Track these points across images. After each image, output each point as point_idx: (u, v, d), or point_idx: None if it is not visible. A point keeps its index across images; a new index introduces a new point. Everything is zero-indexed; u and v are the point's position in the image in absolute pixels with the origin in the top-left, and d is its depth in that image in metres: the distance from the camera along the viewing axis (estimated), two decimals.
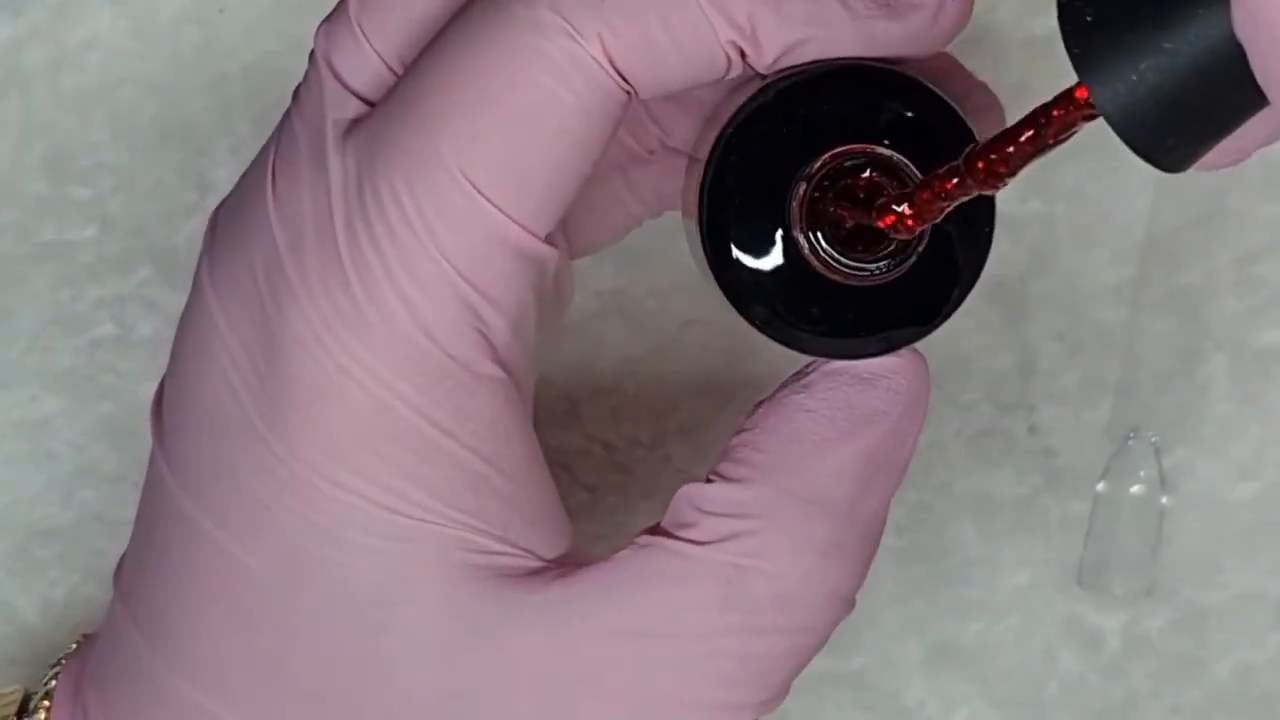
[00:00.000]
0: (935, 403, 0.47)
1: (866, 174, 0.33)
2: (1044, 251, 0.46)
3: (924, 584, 0.47)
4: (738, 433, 0.34)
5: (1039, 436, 0.46)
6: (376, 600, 0.32)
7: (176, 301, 0.47)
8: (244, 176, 0.35)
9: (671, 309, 0.47)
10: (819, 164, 0.32)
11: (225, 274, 0.34)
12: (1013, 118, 0.32)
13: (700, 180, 0.33)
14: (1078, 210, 0.46)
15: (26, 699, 0.38)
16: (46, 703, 0.37)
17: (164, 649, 0.34)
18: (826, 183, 0.32)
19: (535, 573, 0.33)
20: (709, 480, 0.33)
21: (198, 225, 0.47)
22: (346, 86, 0.33)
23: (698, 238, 0.33)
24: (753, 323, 0.33)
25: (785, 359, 0.37)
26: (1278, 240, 0.46)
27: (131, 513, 0.37)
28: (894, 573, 0.48)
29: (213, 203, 0.47)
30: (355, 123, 0.33)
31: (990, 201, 0.33)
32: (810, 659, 0.33)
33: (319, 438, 0.32)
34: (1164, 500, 0.45)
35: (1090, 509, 0.45)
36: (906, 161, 0.33)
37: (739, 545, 0.32)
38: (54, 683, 0.37)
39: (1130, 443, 0.44)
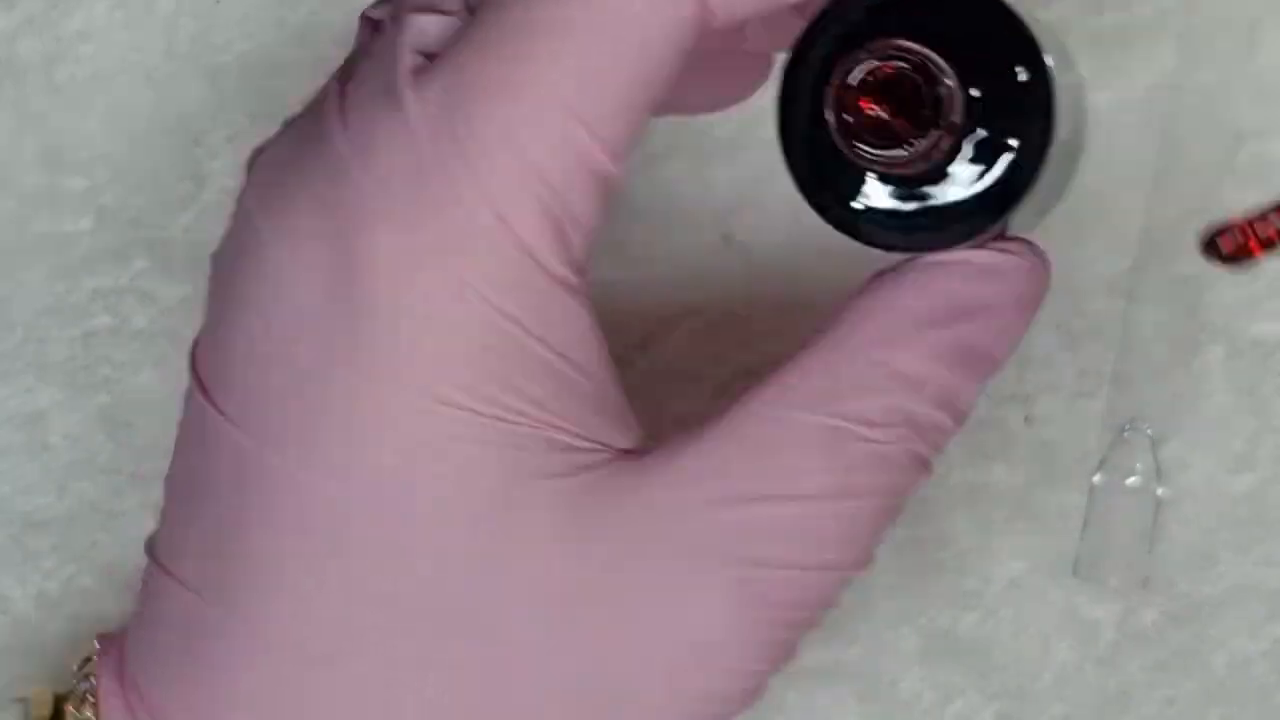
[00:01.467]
0: None
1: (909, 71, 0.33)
2: (1040, 243, 0.46)
3: (920, 574, 0.47)
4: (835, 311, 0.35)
5: (1035, 428, 0.46)
6: (490, 507, 0.33)
7: (172, 293, 0.47)
8: (296, 120, 0.35)
9: (667, 300, 0.47)
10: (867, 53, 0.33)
11: (287, 210, 0.33)
12: None
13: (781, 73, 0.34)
14: (1073, 202, 0.46)
15: (59, 702, 0.37)
16: (91, 699, 0.36)
17: (234, 602, 0.34)
18: (871, 78, 0.33)
19: (628, 460, 0.34)
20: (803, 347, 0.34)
21: (193, 217, 0.47)
22: (419, 27, 0.34)
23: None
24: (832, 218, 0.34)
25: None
26: None
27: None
28: (890, 563, 0.48)
29: (209, 194, 0.47)
30: (431, 58, 0.33)
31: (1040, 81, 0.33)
32: (891, 523, 0.34)
33: (420, 358, 0.32)
34: (1160, 492, 0.45)
35: (1086, 501, 0.45)
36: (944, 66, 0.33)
37: (836, 408, 0.33)
38: (88, 683, 0.36)
39: (1126, 434, 0.44)
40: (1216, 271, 0.46)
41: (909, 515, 0.48)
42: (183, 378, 0.36)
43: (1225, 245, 0.35)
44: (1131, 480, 0.44)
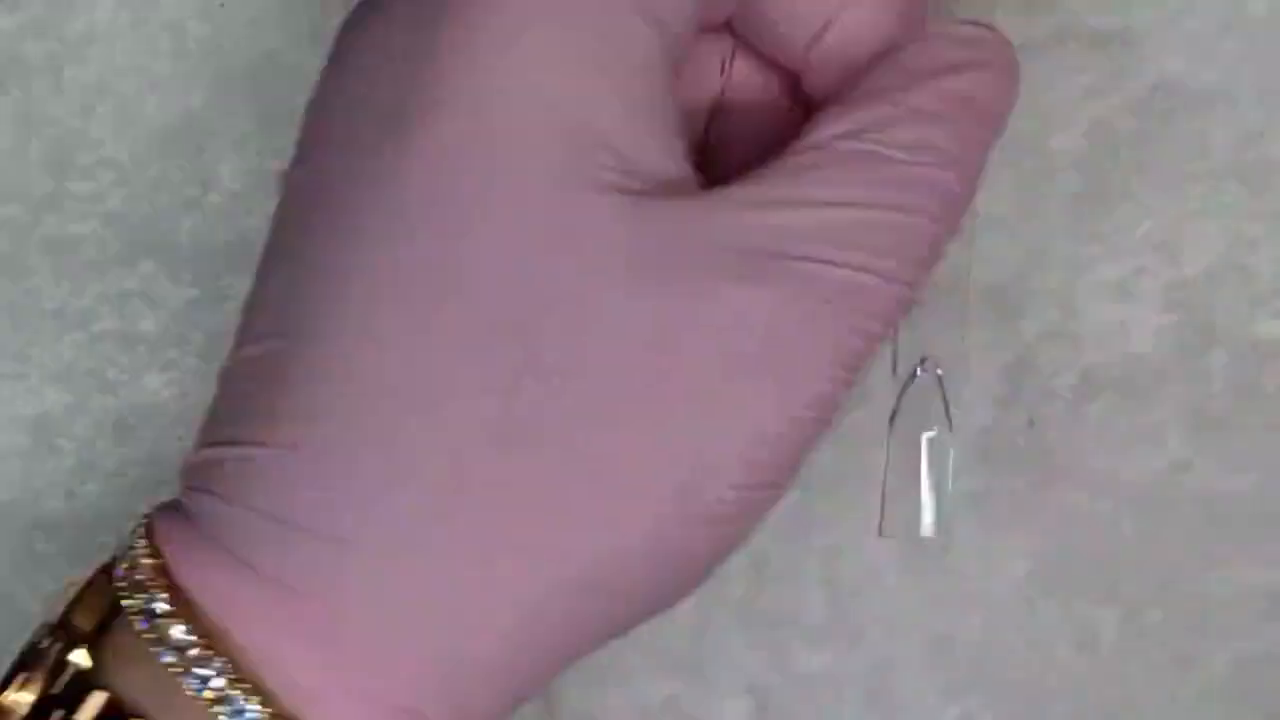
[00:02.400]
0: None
1: None
2: (1040, 249, 0.46)
3: (923, 577, 0.47)
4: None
5: (1037, 432, 0.46)
6: (561, 177, 0.33)
7: (179, 296, 0.47)
8: None
9: None
10: None
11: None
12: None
13: None
14: (1073, 208, 0.46)
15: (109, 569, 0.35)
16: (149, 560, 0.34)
17: (325, 342, 0.33)
18: None
19: (684, 187, 0.35)
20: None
21: (200, 220, 0.47)
22: None
23: None
24: None
25: None
26: (1274, 232, 0.46)
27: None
28: (893, 566, 0.48)
29: (216, 198, 0.47)
30: None
31: None
32: (939, 249, 0.36)
33: (483, 41, 0.33)
34: (951, 432, 0.43)
35: (884, 458, 0.44)
36: None
37: (870, 136, 0.35)
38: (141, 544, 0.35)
39: (918, 376, 0.42)
40: (1218, 274, 0.46)
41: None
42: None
43: None
44: (926, 429, 0.43)
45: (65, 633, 0.34)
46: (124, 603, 0.33)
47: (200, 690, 0.32)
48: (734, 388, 0.34)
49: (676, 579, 0.36)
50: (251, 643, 0.32)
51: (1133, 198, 0.46)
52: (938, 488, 0.41)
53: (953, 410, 0.47)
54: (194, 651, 0.32)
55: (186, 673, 0.32)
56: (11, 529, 0.47)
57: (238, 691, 0.32)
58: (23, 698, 0.34)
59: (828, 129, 0.35)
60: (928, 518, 0.41)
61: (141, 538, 0.35)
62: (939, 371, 0.40)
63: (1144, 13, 0.44)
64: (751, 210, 0.34)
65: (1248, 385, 0.46)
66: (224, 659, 0.32)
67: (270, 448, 0.32)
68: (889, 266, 0.35)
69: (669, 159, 0.35)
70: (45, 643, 0.34)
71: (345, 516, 0.32)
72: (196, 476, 0.34)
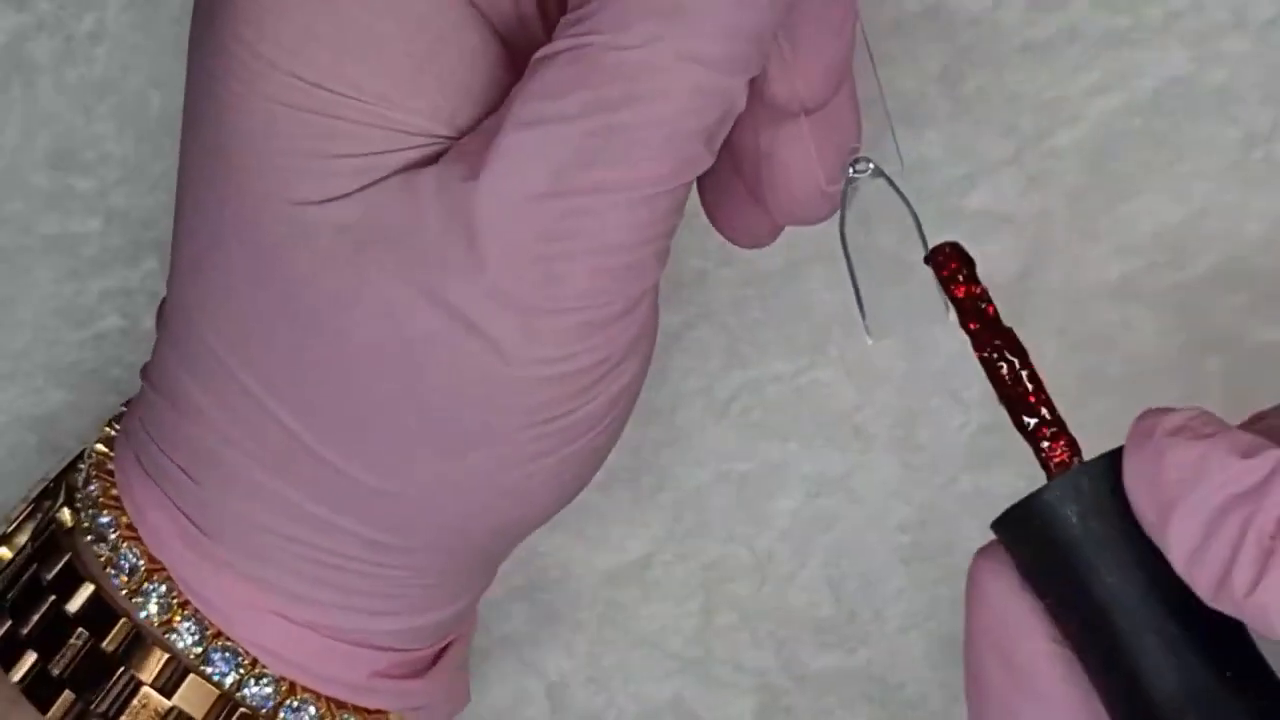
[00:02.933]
0: (938, 400, 0.47)
1: None
2: (1043, 248, 0.46)
3: (928, 579, 0.48)
4: None
5: None
6: (295, 169, 0.33)
7: None
8: None
9: (669, 311, 0.47)
10: None
11: None
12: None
13: None
14: (1076, 207, 0.46)
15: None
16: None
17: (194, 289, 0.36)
18: None
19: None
20: None
21: None
22: None
23: None
24: None
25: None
26: (1274, 235, 0.46)
27: None
28: (899, 568, 0.48)
29: None
30: None
31: None
32: (685, 131, 0.33)
33: (243, 6, 0.33)
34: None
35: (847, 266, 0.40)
36: None
37: (582, 26, 0.33)
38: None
39: (854, 173, 0.38)
40: (1217, 278, 0.46)
41: (916, 521, 0.49)
42: None
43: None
44: (881, 227, 0.40)
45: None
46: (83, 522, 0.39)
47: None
48: (467, 341, 0.34)
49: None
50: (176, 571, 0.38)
51: (1136, 197, 0.46)
52: (908, 279, 0.38)
53: (955, 409, 0.47)
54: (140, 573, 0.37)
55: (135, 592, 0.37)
56: None
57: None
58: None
59: (561, 25, 0.33)
60: (910, 308, 0.39)
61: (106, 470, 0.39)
62: (871, 164, 0.37)
63: (1151, 12, 0.44)
64: (470, 149, 0.33)
65: (1247, 388, 0.46)
66: (164, 583, 0.37)
67: (178, 413, 0.37)
68: (619, 177, 0.33)
69: (433, 122, 0.34)
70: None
71: (212, 474, 0.36)
72: (144, 408, 0.38)
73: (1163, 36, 0.44)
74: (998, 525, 0.34)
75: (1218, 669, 0.32)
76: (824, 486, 0.48)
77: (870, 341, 0.36)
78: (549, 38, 0.34)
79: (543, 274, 0.33)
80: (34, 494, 0.40)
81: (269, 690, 0.37)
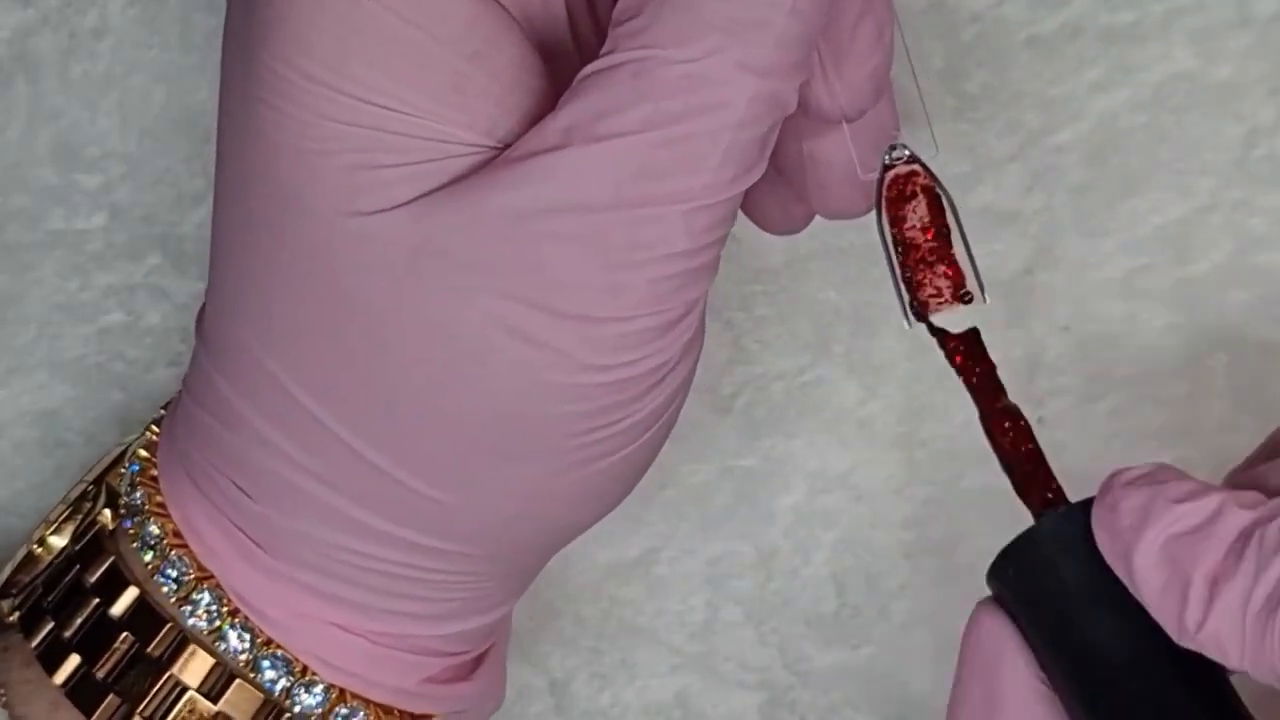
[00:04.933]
0: (942, 396, 0.47)
1: None
2: (1048, 244, 0.46)
3: (933, 576, 0.48)
4: None
5: (1046, 429, 0.46)
6: (345, 186, 0.34)
7: (185, 289, 0.47)
8: None
9: None
10: None
11: None
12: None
13: None
14: (1080, 203, 0.46)
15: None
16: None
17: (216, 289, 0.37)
18: None
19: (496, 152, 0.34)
20: None
21: (206, 213, 0.47)
22: None
23: None
24: None
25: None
26: (1278, 231, 0.46)
27: None
28: (903, 565, 0.48)
29: None
30: None
31: None
32: (744, 140, 0.33)
33: (284, 27, 0.34)
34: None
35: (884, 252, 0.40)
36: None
37: (641, 39, 0.33)
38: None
39: (888, 159, 0.38)
40: (1223, 275, 0.46)
41: (920, 518, 0.49)
42: None
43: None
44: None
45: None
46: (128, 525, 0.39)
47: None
48: (515, 342, 0.34)
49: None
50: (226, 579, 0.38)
51: (1141, 194, 0.46)
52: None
53: (959, 405, 0.47)
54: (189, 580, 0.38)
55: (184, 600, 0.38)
56: (19, 521, 0.47)
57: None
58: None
59: (613, 35, 0.34)
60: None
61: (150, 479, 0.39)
62: (907, 150, 0.37)
63: (1154, 8, 0.44)
64: (525, 163, 0.33)
65: (1251, 385, 0.46)
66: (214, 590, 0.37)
67: (227, 427, 0.37)
68: (678, 185, 0.33)
69: (473, 133, 0.34)
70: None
71: (264, 488, 0.37)
72: (188, 420, 0.38)
73: (1166, 32, 0.44)
74: (991, 571, 0.35)
75: (1195, 709, 0.33)
76: (828, 483, 0.48)
77: (909, 327, 0.37)
78: (580, 44, 0.35)
79: (605, 284, 0.33)
80: (73, 495, 0.41)
81: (319, 698, 0.37)
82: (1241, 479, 0.35)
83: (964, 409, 0.47)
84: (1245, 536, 0.32)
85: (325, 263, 0.34)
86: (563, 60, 0.37)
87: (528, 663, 0.49)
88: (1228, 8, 0.44)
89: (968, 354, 0.37)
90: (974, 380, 0.37)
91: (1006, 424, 0.36)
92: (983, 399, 0.36)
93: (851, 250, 0.46)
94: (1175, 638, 0.32)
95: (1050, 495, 0.36)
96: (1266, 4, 0.44)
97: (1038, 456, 0.36)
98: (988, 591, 0.47)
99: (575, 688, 0.50)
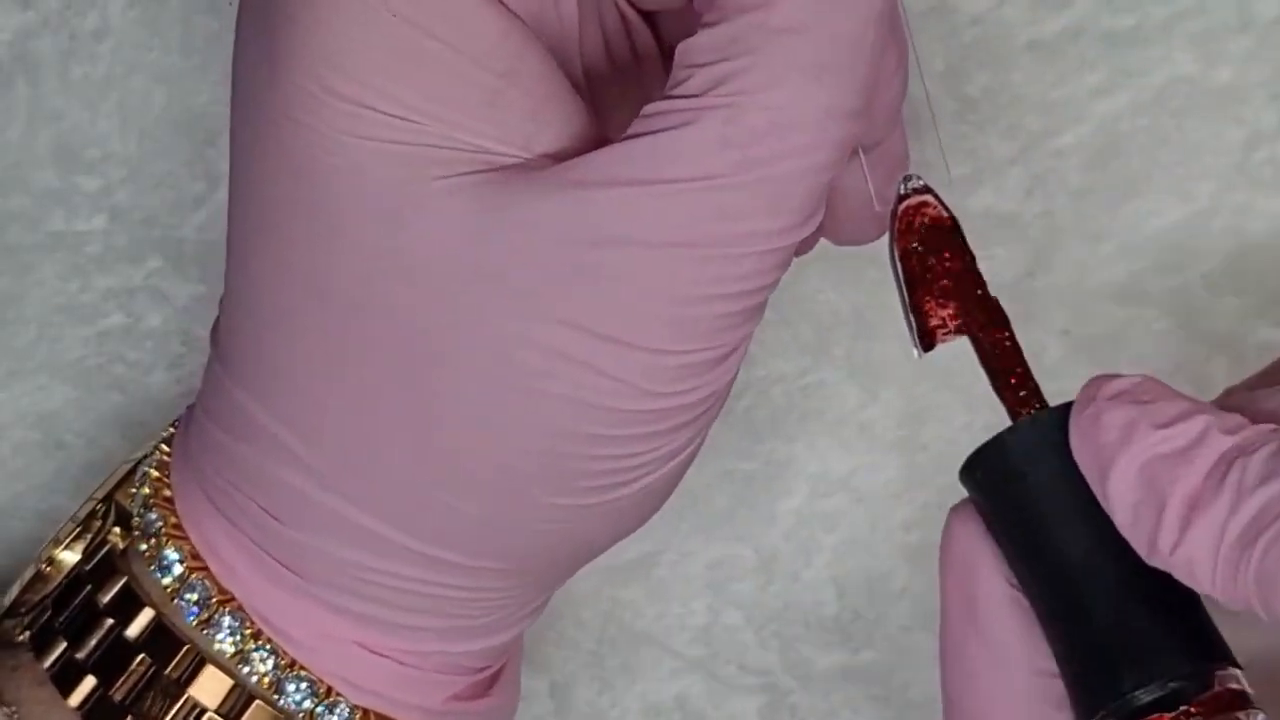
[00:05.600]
0: (943, 399, 0.47)
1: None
2: (1048, 248, 0.46)
3: (933, 580, 0.47)
4: None
5: None
6: (391, 203, 0.34)
7: (185, 292, 0.47)
8: None
9: None
10: None
11: None
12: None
13: None
14: (1081, 207, 0.46)
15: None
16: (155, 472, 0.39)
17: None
18: None
19: (546, 161, 0.35)
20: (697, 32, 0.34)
21: (207, 216, 0.47)
22: None
23: None
24: None
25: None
26: (1279, 235, 0.46)
27: None
28: (903, 567, 0.48)
29: (222, 194, 0.47)
30: None
31: None
32: (822, 179, 0.34)
33: (313, 46, 0.33)
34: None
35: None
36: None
37: (730, 85, 0.33)
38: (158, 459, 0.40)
39: (902, 189, 0.38)
40: (1220, 279, 0.46)
41: (921, 520, 0.49)
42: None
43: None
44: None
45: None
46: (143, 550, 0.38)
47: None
48: (571, 368, 0.34)
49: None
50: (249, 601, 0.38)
51: (1141, 197, 0.46)
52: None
53: (960, 407, 0.47)
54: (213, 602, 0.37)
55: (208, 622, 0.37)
56: (19, 523, 0.47)
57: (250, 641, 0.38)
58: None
59: (697, 76, 0.33)
60: None
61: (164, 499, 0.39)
62: (921, 180, 0.37)
63: (1156, 11, 0.44)
64: (602, 190, 0.33)
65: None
66: (236, 613, 0.37)
67: (251, 446, 0.37)
68: (757, 226, 0.33)
69: (510, 146, 0.34)
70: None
71: (291, 509, 0.36)
72: (204, 438, 0.38)
73: (1167, 36, 0.44)
74: (963, 470, 0.35)
75: (1157, 617, 0.33)
76: (829, 486, 0.48)
77: (917, 356, 0.37)
78: (615, 64, 0.36)
79: (670, 317, 0.33)
80: (81, 514, 0.40)
81: (342, 718, 0.37)
82: (1230, 402, 0.35)
83: (965, 412, 0.47)
84: (1226, 462, 0.32)
85: (372, 284, 0.34)
86: (597, 80, 0.38)
87: (529, 666, 0.49)
88: (1229, 11, 0.44)
89: (944, 245, 0.37)
90: (948, 267, 0.36)
91: (984, 316, 0.36)
92: (960, 291, 0.36)
93: (852, 253, 0.46)
94: (1145, 556, 0.32)
95: (1024, 395, 0.36)
96: (1268, 7, 0.44)
97: (1015, 351, 0.36)
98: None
99: (576, 691, 0.50)
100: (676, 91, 0.34)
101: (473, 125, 0.34)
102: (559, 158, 0.34)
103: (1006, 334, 0.36)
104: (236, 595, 0.37)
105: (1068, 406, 0.34)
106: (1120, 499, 0.32)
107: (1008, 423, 0.35)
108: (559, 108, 0.35)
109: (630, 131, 0.34)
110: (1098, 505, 0.33)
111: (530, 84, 0.34)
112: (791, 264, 0.36)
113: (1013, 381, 0.36)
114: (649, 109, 0.34)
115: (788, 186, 0.33)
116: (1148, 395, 0.33)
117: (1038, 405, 0.36)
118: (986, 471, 0.35)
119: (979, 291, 0.36)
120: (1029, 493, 0.34)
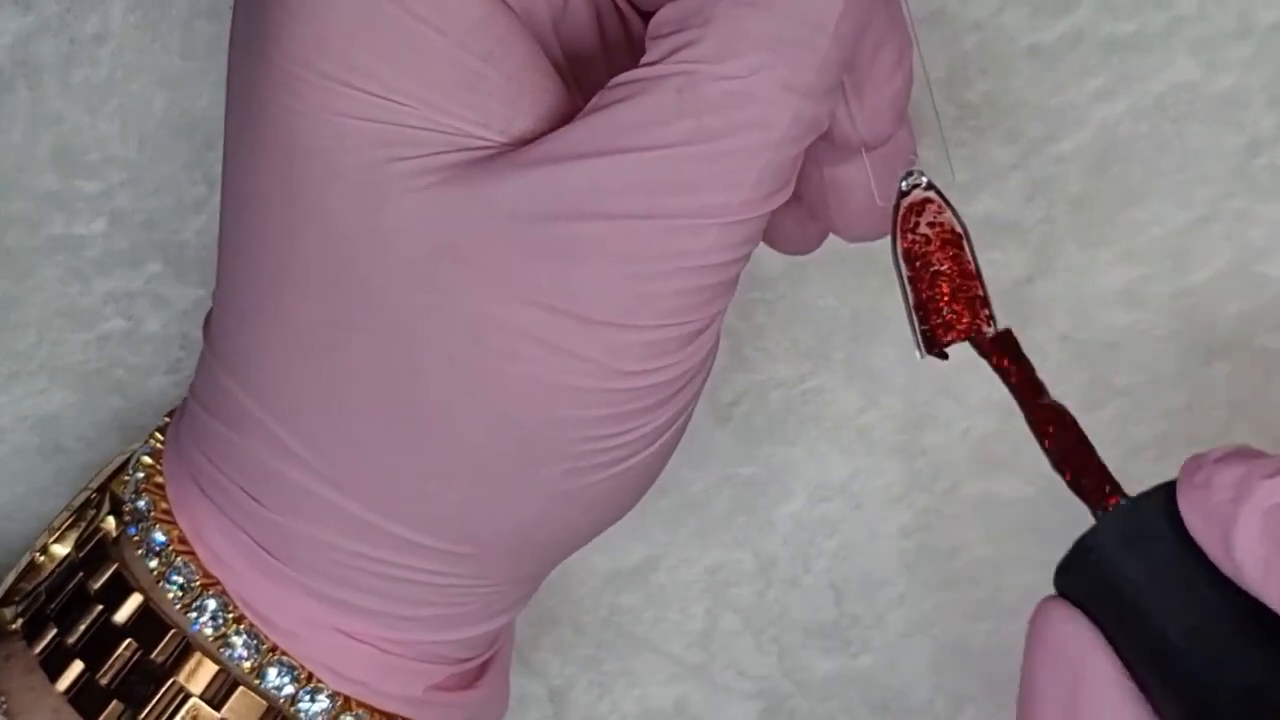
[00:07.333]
0: (942, 405, 0.47)
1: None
2: (1048, 254, 0.46)
3: (932, 585, 0.47)
4: None
5: None
6: (365, 182, 0.34)
7: (185, 296, 0.47)
8: None
9: None
10: None
11: None
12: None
13: None
14: (1081, 213, 0.46)
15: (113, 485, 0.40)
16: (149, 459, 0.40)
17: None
18: None
19: (515, 143, 0.35)
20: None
21: (207, 220, 0.47)
22: None
23: None
24: None
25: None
26: (1278, 241, 0.46)
27: None
28: (902, 573, 0.48)
29: None
30: None
31: None
32: (781, 159, 0.34)
33: (298, 23, 0.34)
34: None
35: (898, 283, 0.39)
36: None
37: (685, 54, 0.33)
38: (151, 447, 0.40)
39: (905, 184, 0.38)
40: (1223, 283, 0.46)
41: (919, 526, 0.49)
42: None
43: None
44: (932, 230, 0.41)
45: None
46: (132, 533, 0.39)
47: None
48: (540, 349, 0.34)
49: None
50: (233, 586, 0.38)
51: (1141, 203, 0.46)
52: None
53: (959, 414, 0.47)
54: (195, 586, 0.38)
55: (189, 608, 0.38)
56: (18, 526, 0.47)
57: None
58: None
59: (657, 45, 0.34)
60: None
61: (155, 487, 0.39)
62: (924, 177, 0.37)
63: (1156, 17, 0.44)
64: (557, 167, 0.33)
65: (1251, 394, 0.46)
66: (220, 597, 0.37)
67: (238, 433, 0.37)
68: (712, 200, 0.33)
69: (489, 130, 0.34)
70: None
71: (276, 494, 0.37)
72: (194, 426, 0.38)
73: (1167, 42, 0.44)
74: (1059, 569, 0.34)
75: None
76: (827, 491, 0.48)
77: (920, 358, 0.37)
78: (609, 51, 0.36)
79: (633, 293, 0.33)
80: (76, 503, 0.41)
81: (324, 705, 0.37)
82: None
83: (963, 418, 0.47)
84: None
85: (346, 265, 0.34)
86: (589, 66, 0.38)
87: (527, 670, 0.49)
88: (1229, 18, 0.44)
89: (1004, 356, 0.37)
90: (1013, 381, 0.36)
91: (1050, 424, 0.36)
92: (1024, 399, 0.36)
93: (851, 257, 0.46)
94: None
95: (1108, 489, 0.35)
96: (1267, 14, 0.44)
97: (1088, 450, 0.36)
98: (985, 601, 0.48)
99: (574, 695, 0.50)
100: (640, 63, 0.34)
101: (452, 108, 0.34)
102: (508, 141, 0.34)
103: (1069, 426, 0.36)
104: (221, 580, 0.37)
105: (1163, 488, 0.33)
106: (1248, 554, 0.32)
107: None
108: (540, 92, 0.35)
109: (592, 105, 0.34)
110: (1215, 576, 0.32)
111: (512, 68, 0.34)
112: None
113: (1085, 481, 0.35)
114: (613, 81, 0.34)
115: (745, 160, 0.33)
116: (1249, 454, 0.33)
117: (1110, 490, 0.35)
118: (1086, 564, 0.34)
119: (1041, 400, 0.36)
120: (1140, 577, 0.33)
